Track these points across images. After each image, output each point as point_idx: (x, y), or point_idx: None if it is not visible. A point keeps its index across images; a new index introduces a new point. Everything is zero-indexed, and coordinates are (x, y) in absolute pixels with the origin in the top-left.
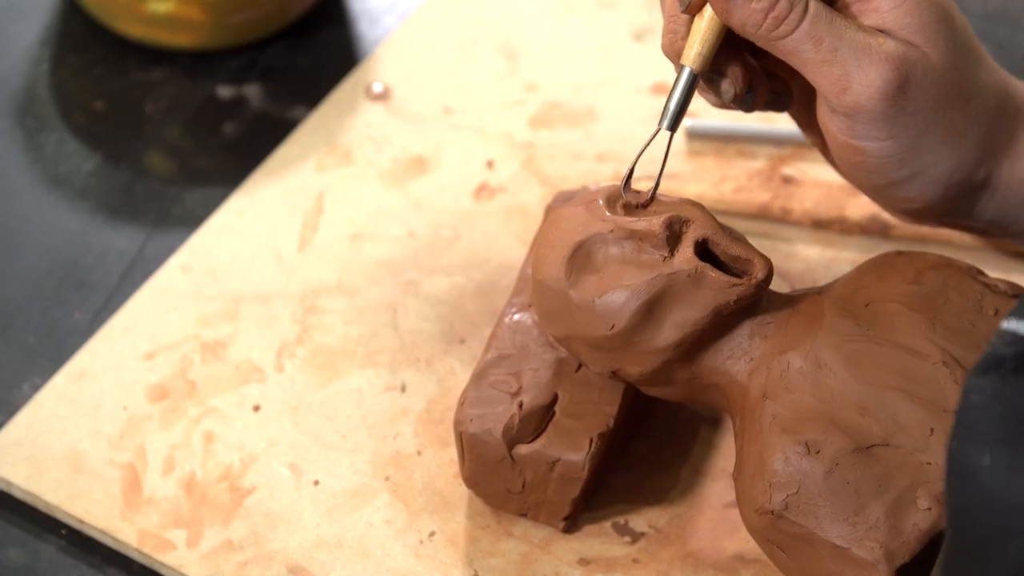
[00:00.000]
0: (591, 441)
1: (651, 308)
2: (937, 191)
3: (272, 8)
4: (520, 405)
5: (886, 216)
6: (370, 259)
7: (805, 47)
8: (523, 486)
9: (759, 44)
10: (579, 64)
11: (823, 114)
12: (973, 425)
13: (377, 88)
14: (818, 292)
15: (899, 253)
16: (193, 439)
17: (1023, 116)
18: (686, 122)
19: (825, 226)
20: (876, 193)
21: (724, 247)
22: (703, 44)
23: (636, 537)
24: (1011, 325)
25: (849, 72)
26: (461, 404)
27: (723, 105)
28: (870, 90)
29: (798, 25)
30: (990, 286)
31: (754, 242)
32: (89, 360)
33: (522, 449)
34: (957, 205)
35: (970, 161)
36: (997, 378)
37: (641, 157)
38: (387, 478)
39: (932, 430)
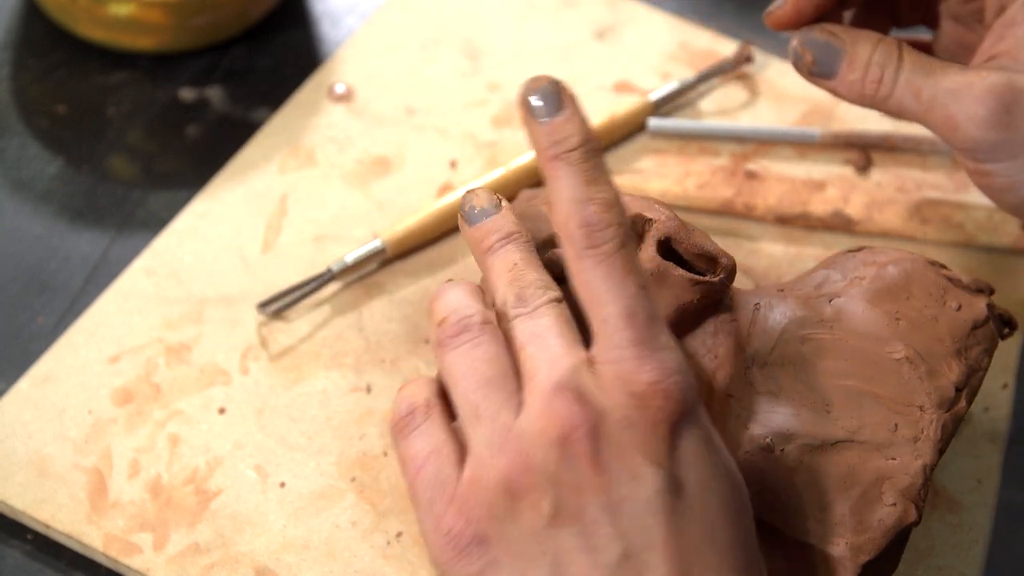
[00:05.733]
0: None
1: None
2: None
3: (233, 10)
4: None
5: (849, 211)
6: (334, 260)
7: (907, 101)
8: None
9: (871, 108)
10: (541, 63)
11: (950, 149)
12: None
13: (339, 89)
14: (782, 288)
15: (862, 248)
16: (158, 442)
17: None
18: (649, 120)
19: (789, 222)
20: (1015, 210)
21: (687, 245)
22: None
23: None
24: None
25: (953, 112)
26: None
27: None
28: (975, 122)
29: (895, 83)
30: (952, 280)
31: (717, 239)
32: (53, 364)
33: None
34: None
35: None
36: None
37: (612, 155)
38: (353, 479)
39: (896, 425)
